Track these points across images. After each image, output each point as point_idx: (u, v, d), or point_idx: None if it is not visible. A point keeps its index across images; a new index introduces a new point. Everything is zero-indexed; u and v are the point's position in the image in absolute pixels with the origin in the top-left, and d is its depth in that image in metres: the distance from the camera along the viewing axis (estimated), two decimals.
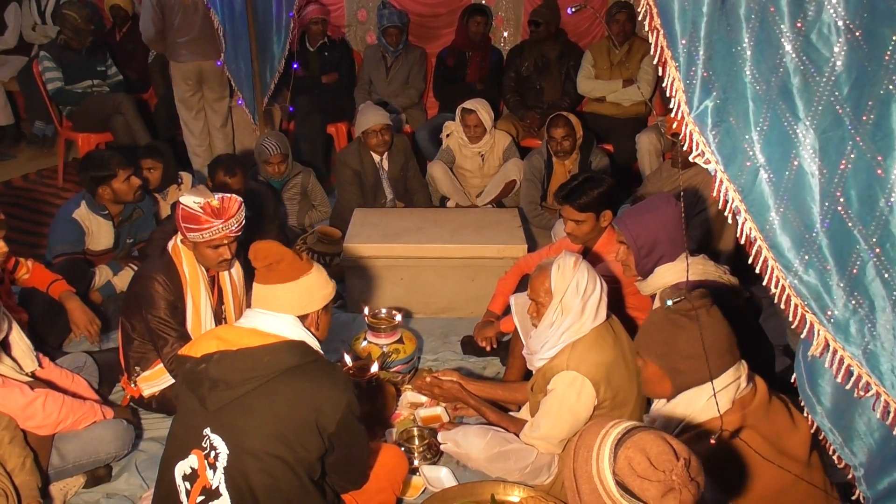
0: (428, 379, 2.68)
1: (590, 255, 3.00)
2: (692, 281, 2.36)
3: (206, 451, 1.83)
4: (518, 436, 2.41)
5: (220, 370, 1.81)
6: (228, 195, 2.57)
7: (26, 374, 2.43)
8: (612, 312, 2.38)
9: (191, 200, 2.51)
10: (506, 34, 5.68)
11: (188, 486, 1.85)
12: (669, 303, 1.90)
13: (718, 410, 1.79)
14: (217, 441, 1.81)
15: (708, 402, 1.82)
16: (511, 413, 2.65)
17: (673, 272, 2.43)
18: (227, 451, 1.80)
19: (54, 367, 2.60)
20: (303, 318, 1.95)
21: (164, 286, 2.64)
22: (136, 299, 2.70)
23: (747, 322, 2.35)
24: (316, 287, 1.98)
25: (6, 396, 2.24)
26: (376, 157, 4.28)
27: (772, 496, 1.80)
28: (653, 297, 2.53)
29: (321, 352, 1.95)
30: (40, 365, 2.51)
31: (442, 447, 2.48)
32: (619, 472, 1.31)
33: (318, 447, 1.84)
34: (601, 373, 2.23)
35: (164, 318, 2.63)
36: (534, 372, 2.43)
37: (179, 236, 2.65)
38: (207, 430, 1.83)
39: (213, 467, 1.81)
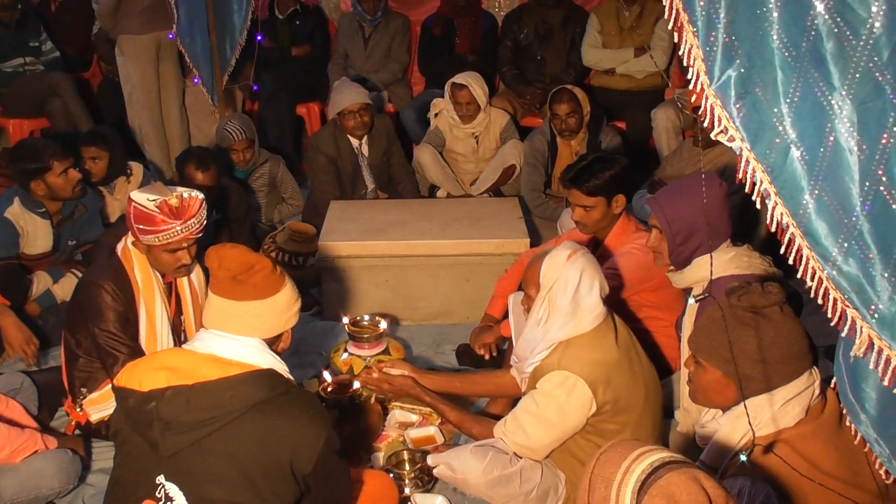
0: (375, 374, 2.69)
1: (601, 248, 3.02)
2: (735, 275, 2.38)
3: (160, 503, 1.80)
4: (481, 438, 2.45)
5: (173, 410, 1.76)
6: (188, 192, 2.56)
7: None
8: (612, 310, 2.40)
9: (144, 198, 2.50)
10: None
11: None
12: (692, 301, 1.91)
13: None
14: (173, 491, 1.79)
15: (780, 409, 1.82)
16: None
17: (715, 264, 2.45)
18: (186, 503, 1.78)
19: None
20: (270, 340, 1.93)
21: (112, 295, 2.63)
22: (80, 310, 2.70)
23: None
24: (288, 304, 1.95)
25: None
26: (354, 142, 4.30)
27: None
28: (686, 290, 2.54)
29: (292, 379, 1.92)
30: None
31: (435, 472, 2.49)
32: None
33: (293, 492, 1.83)
34: (599, 373, 2.24)
35: (113, 332, 2.63)
36: (520, 382, 2.45)
37: (130, 237, 2.65)
38: (161, 478, 1.80)
39: None
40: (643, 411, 2.33)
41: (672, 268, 2.54)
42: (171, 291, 2.77)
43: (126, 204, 2.57)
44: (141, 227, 2.51)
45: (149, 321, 2.69)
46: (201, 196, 2.59)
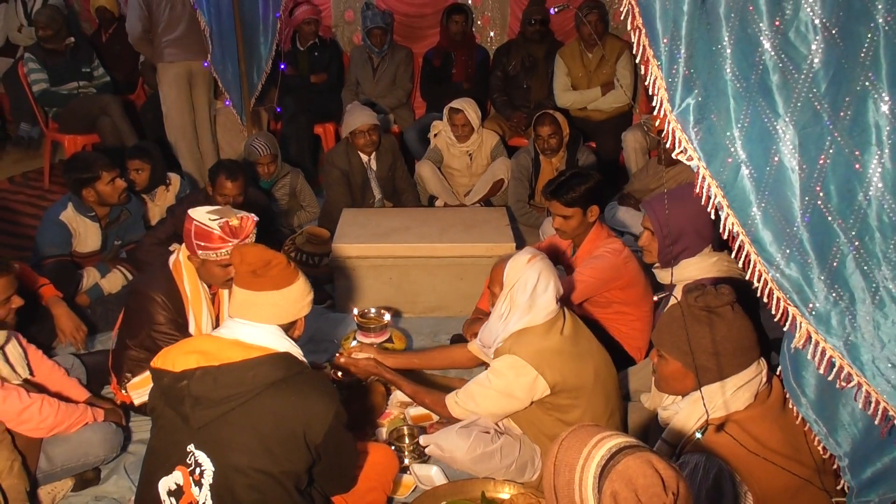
0: (342, 360, 2.67)
1: (577, 251, 3.02)
2: (715, 277, 2.37)
3: (190, 468, 1.80)
4: (433, 405, 2.47)
5: (202, 387, 1.77)
6: (246, 214, 2.49)
7: (21, 379, 2.43)
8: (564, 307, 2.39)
9: (206, 217, 2.41)
10: (492, 34, 5.70)
11: (174, 501, 1.82)
12: (655, 298, 1.91)
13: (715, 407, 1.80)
14: (202, 458, 1.79)
15: (731, 396, 1.82)
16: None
17: (699, 267, 2.44)
18: (213, 469, 1.78)
19: (45, 359, 2.59)
20: (286, 327, 1.92)
21: (163, 306, 2.58)
22: (136, 315, 2.65)
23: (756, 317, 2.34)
24: (301, 294, 1.94)
25: (5, 399, 2.25)
26: (364, 158, 4.29)
27: (779, 496, 1.79)
28: (663, 288, 2.53)
29: (305, 361, 1.92)
30: (31, 373, 2.51)
31: (426, 451, 2.48)
32: None
33: (306, 459, 1.83)
34: (543, 357, 2.24)
35: (167, 332, 2.58)
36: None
37: (183, 252, 2.59)
38: (191, 447, 1.80)
39: (199, 484, 1.79)
40: (594, 387, 2.31)
41: (658, 265, 2.53)
42: (213, 299, 2.70)
43: (185, 221, 2.47)
44: (200, 243, 2.43)
45: (196, 328, 2.63)
46: (255, 218, 2.51)
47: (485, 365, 2.53)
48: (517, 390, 2.27)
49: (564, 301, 2.42)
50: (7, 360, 2.40)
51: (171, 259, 2.64)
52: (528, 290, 2.25)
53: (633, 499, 1.23)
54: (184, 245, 2.58)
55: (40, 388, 2.47)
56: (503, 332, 2.32)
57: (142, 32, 4.57)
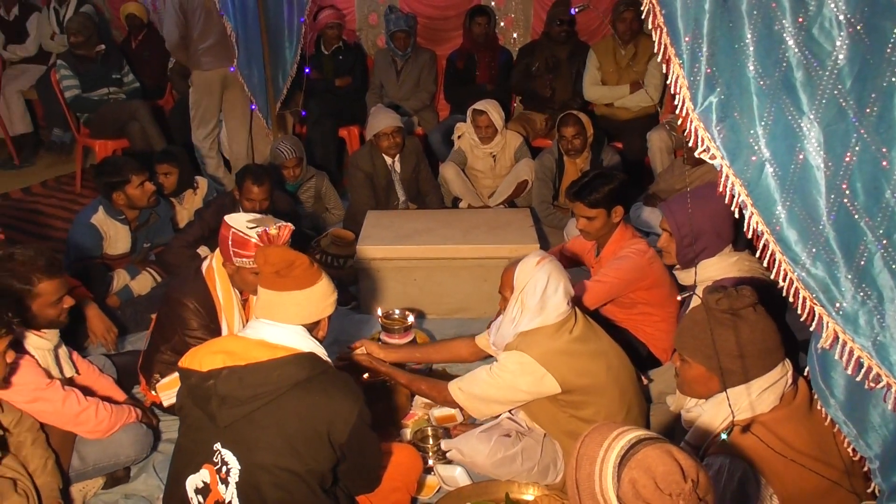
0: (339, 356, 2.69)
1: (602, 252, 3.01)
2: (736, 277, 2.36)
3: (217, 467, 1.83)
4: (430, 392, 2.47)
5: (228, 386, 1.79)
6: (283, 223, 2.52)
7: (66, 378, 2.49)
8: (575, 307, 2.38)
9: (244, 225, 2.43)
10: (515, 35, 5.70)
11: (201, 499, 1.86)
12: (679, 298, 1.89)
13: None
14: (228, 456, 1.82)
15: (757, 398, 1.81)
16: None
17: (719, 267, 2.43)
18: (239, 467, 1.80)
19: (83, 361, 2.65)
20: (310, 327, 1.94)
21: (195, 312, 2.62)
22: (168, 320, 2.70)
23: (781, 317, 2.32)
24: (325, 294, 1.95)
25: (64, 401, 2.32)
26: (388, 160, 4.31)
27: (807, 498, 1.77)
28: (685, 288, 2.51)
29: (329, 361, 1.94)
30: (77, 371, 2.57)
31: (448, 455, 2.49)
32: (624, 495, 1.26)
33: (330, 458, 1.85)
34: (550, 358, 2.24)
35: (200, 336, 2.61)
36: None
37: (216, 259, 2.62)
38: (218, 446, 1.83)
39: (226, 482, 1.82)
40: (606, 384, 2.30)
41: (678, 266, 2.52)
42: (244, 305, 2.73)
43: (222, 228, 2.49)
44: (236, 250, 2.46)
45: (229, 333, 2.64)
46: (292, 227, 2.53)
47: (488, 359, 2.54)
48: (522, 385, 2.27)
49: (577, 302, 2.41)
50: (57, 361, 2.46)
51: (205, 265, 2.67)
52: (539, 292, 2.25)
53: (652, 486, 1.23)
54: (217, 251, 2.62)
55: (86, 389, 2.53)
56: (514, 334, 2.32)
57: (178, 39, 4.64)
